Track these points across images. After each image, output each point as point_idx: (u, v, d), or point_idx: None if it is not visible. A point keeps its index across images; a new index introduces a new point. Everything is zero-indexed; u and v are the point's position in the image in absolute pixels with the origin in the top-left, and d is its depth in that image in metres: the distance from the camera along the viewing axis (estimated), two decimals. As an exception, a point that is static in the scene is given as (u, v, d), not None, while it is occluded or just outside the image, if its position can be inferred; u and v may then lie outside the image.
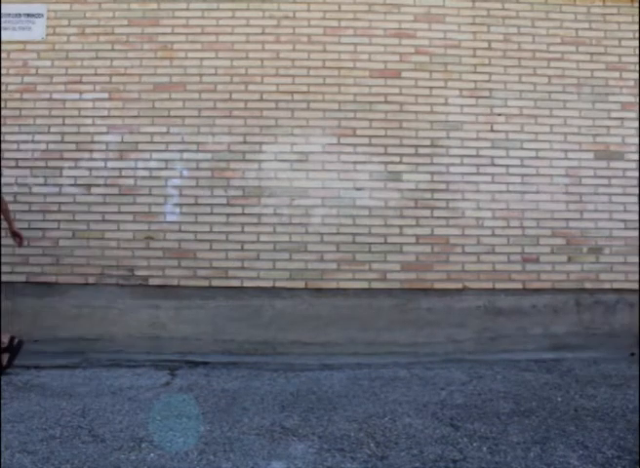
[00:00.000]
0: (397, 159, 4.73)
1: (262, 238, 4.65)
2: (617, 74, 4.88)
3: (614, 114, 4.85)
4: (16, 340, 3.89)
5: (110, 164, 4.69)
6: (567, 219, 4.75)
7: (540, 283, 4.71)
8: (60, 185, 4.66)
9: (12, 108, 4.69)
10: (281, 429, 2.71)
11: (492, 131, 4.79)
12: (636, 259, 4.71)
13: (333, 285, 4.64)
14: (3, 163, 4.65)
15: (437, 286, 4.65)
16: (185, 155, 4.70)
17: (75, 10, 4.80)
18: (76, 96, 4.72)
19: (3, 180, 4.62)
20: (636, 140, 4.82)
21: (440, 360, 4.21)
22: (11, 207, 4.58)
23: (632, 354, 4.27)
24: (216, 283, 4.61)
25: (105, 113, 4.71)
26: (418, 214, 4.69)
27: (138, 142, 4.70)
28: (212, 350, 4.33)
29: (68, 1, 4.80)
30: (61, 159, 4.68)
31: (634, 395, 3.20)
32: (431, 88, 4.80)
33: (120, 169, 4.69)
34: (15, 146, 4.68)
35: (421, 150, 4.74)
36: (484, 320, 4.61)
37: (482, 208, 4.72)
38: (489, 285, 4.68)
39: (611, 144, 4.83)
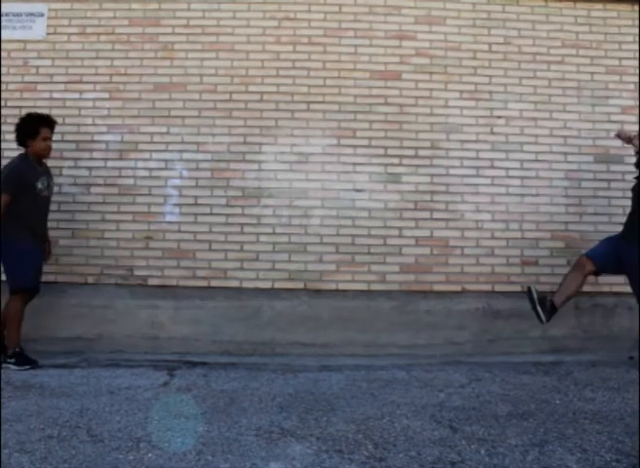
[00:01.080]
0: (397, 161, 4.73)
1: (262, 239, 4.65)
2: (617, 77, 4.89)
3: (614, 117, 4.85)
4: None
5: (110, 164, 4.69)
6: (566, 222, 4.75)
7: (539, 285, 4.69)
8: (60, 185, 4.65)
9: (12, 107, 4.69)
10: (279, 430, 2.71)
11: (492, 133, 4.79)
12: (635, 263, 4.72)
13: (332, 286, 4.63)
14: (3, 162, 4.64)
15: (436, 288, 4.65)
16: (185, 155, 4.70)
17: (76, 9, 4.80)
18: (76, 95, 4.73)
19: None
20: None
21: (439, 362, 4.21)
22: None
23: (631, 357, 4.27)
24: (215, 283, 4.61)
25: (105, 113, 4.71)
26: (417, 216, 4.69)
27: (137, 142, 4.70)
28: (210, 350, 4.32)
29: (69, 0, 4.80)
30: (61, 158, 4.67)
31: (633, 398, 3.20)
32: (431, 90, 4.81)
33: (120, 168, 4.69)
34: (15, 145, 4.66)
35: (421, 152, 4.75)
36: (483, 322, 4.61)
37: (481, 210, 4.73)
38: (488, 287, 4.68)
39: (610, 148, 4.83)
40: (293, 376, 3.76)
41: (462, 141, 4.77)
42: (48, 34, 4.78)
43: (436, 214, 4.71)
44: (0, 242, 4.01)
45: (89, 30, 4.79)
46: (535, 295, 3.96)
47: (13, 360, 3.92)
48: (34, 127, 4.11)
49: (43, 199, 4.21)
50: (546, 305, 3.96)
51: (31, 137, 4.11)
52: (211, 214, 4.66)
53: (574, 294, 4.05)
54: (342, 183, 4.70)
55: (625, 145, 4.23)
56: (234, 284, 4.60)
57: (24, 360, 3.94)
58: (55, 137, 4.65)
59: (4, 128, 4.67)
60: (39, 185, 4.12)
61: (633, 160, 4.74)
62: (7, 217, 3.95)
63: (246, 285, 4.60)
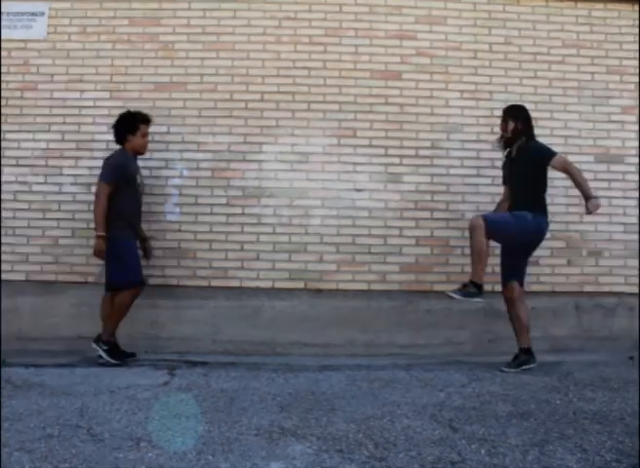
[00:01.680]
0: (397, 160, 4.73)
1: (262, 238, 4.65)
2: (617, 77, 4.89)
3: (614, 117, 4.85)
4: None
5: (110, 163, 4.69)
6: (567, 222, 4.75)
7: (539, 285, 4.71)
8: (60, 184, 4.66)
9: (12, 106, 4.70)
10: (280, 430, 2.71)
11: (492, 133, 4.77)
12: (636, 263, 4.72)
13: (332, 286, 4.64)
14: (3, 161, 4.65)
15: (437, 288, 4.65)
16: (185, 155, 4.70)
17: (76, 9, 4.80)
18: (77, 94, 4.73)
19: (3, 179, 4.62)
20: (636, 144, 4.82)
21: (439, 362, 4.20)
22: (11, 205, 4.61)
23: (631, 357, 4.26)
24: (215, 283, 4.61)
25: (106, 112, 4.70)
26: (417, 216, 4.69)
27: (138, 142, 4.70)
28: (211, 350, 4.32)
29: (70, 0, 4.80)
30: (62, 158, 4.68)
31: (633, 398, 3.20)
32: (432, 90, 4.81)
33: (120, 168, 4.68)
34: (15, 145, 4.68)
35: (422, 152, 4.75)
36: (483, 322, 4.60)
37: (482, 210, 4.70)
38: (488, 287, 4.64)
39: (611, 148, 4.84)
40: (293, 376, 3.76)
41: (463, 141, 4.77)
42: (48, 34, 4.78)
43: (436, 214, 4.71)
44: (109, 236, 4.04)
45: (89, 30, 4.79)
46: (459, 296, 3.89)
47: (106, 347, 4.00)
48: (134, 123, 4.15)
49: (140, 195, 4.25)
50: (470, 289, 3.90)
51: (131, 133, 4.14)
52: (211, 213, 4.66)
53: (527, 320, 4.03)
54: (343, 183, 4.70)
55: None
56: (234, 283, 4.60)
57: (116, 354, 4.03)
58: (55, 137, 4.68)
59: (4, 127, 4.67)
60: (138, 180, 4.19)
61: (633, 160, 4.75)
62: (110, 214, 4.00)
63: (246, 284, 4.60)
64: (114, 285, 4.07)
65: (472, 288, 3.91)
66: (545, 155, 3.98)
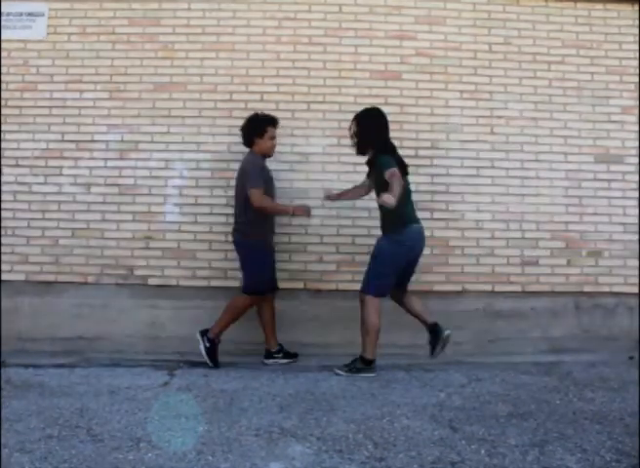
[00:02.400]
0: (397, 161, 4.72)
1: (262, 239, 4.63)
2: (617, 78, 4.89)
3: (614, 117, 4.85)
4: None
5: (110, 163, 4.69)
6: (566, 222, 4.76)
7: (539, 286, 4.71)
8: (60, 184, 4.66)
9: (12, 107, 4.69)
10: (279, 430, 2.71)
11: (492, 133, 4.79)
12: (635, 263, 4.72)
13: (332, 286, 4.64)
14: (3, 161, 4.65)
15: (436, 288, 4.66)
16: (185, 155, 4.69)
17: (76, 9, 4.80)
18: (76, 95, 4.72)
19: (3, 179, 4.62)
20: (636, 144, 4.82)
21: (439, 362, 4.20)
22: (10, 205, 4.61)
23: (631, 357, 4.27)
24: (215, 283, 4.61)
25: (106, 112, 4.70)
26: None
27: (138, 142, 4.70)
28: (210, 350, 4.31)
29: (69, 0, 4.80)
30: (61, 158, 4.68)
31: (633, 398, 3.20)
32: (432, 90, 4.81)
33: (120, 168, 4.69)
34: (15, 145, 4.68)
35: (421, 152, 4.74)
36: (483, 322, 4.61)
37: (482, 210, 4.73)
38: (488, 287, 4.69)
39: (611, 148, 4.83)
40: (293, 376, 3.76)
41: (463, 141, 4.77)
42: (48, 34, 4.78)
43: (436, 214, 4.71)
44: (244, 243, 4.09)
45: (89, 30, 4.78)
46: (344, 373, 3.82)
47: (280, 354, 4.25)
48: (262, 126, 4.14)
49: (274, 196, 4.27)
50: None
51: (259, 136, 4.13)
52: (211, 213, 4.66)
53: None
54: (343, 183, 4.68)
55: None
56: (234, 284, 4.58)
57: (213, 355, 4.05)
58: (55, 137, 4.68)
59: (4, 127, 4.67)
60: (272, 182, 4.23)
61: (633, 160, 4.75)
62: (252, 219, 4.02)
63: (246, 284, 4.59)
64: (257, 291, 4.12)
65: (360, 364, 3.85)
66: (383, 171, 3.73)
